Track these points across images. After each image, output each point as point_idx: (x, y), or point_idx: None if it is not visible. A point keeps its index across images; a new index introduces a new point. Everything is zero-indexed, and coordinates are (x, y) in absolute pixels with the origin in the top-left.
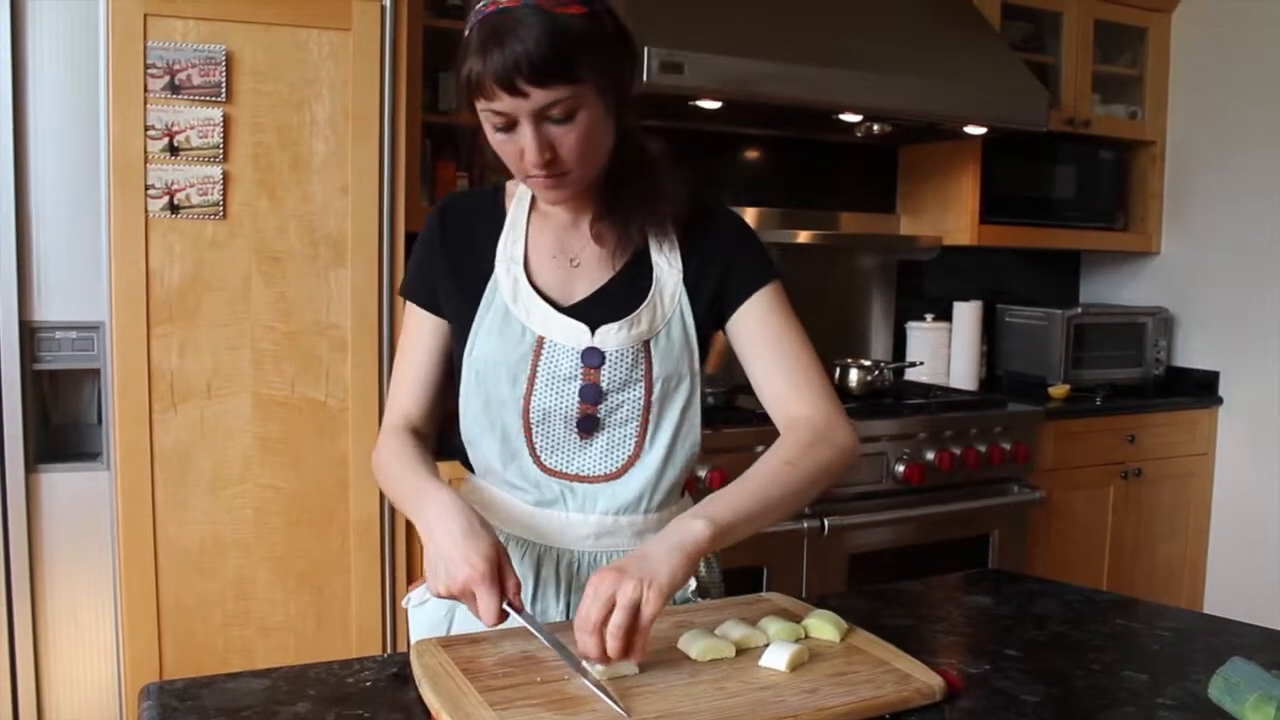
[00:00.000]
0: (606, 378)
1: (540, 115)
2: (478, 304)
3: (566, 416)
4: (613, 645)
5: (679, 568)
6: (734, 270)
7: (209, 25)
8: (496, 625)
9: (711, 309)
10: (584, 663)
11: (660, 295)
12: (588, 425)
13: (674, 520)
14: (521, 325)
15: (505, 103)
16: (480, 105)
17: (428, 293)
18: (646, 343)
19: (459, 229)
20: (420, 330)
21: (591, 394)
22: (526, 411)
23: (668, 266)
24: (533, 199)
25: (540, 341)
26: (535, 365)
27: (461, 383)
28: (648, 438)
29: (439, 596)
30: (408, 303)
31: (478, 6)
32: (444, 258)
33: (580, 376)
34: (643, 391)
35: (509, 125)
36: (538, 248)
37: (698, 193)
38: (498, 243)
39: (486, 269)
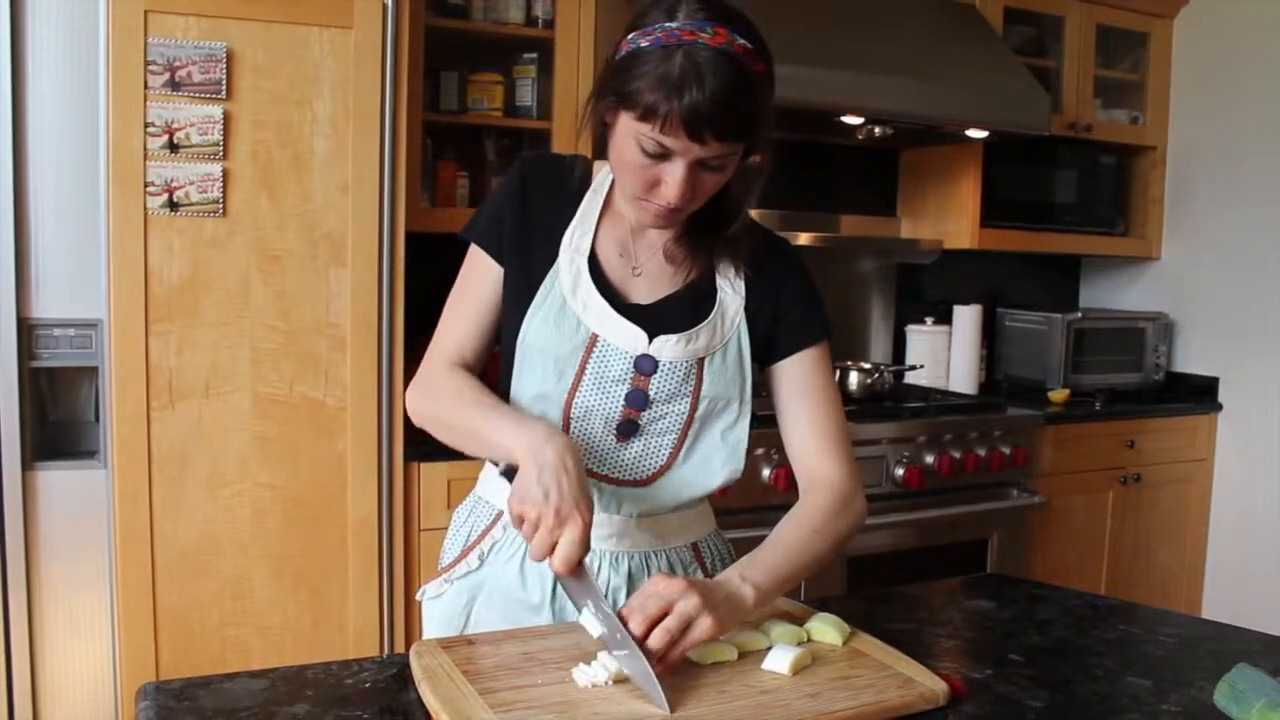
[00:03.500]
0: (655, 387)
1: (701, 161)
2: (536, 288)
3: (608, 417)
4: (657, 641)
5: (729, 617)
6: (791, 319)
7: (209, 22)
8: (565, 573)
9: (761, 346)
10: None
11: (722, 317)
12: (627, 430)
13: (723, 577)
14: (577, 319)
15: (678, 142)
16: (644, 129)
17: (496, 243)
18: (701, 360)
19: (535, 196)
20: (483, 275)
21: (638, 400)
22: (568, 406)
23: (732, 291)
24: (608, 195)
25: (593, 339)
26: (585, 362)
27: (514, 364)
28: (683, 451)
29: (518, 515)
30: (472, 245)
31: (669, 25)
32: (516, 222)
33: (629, 381)
34: (688, 407)
35: (662, 155)
36: (605, 244)
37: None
38: (568, 225)
39: (552, 250)
